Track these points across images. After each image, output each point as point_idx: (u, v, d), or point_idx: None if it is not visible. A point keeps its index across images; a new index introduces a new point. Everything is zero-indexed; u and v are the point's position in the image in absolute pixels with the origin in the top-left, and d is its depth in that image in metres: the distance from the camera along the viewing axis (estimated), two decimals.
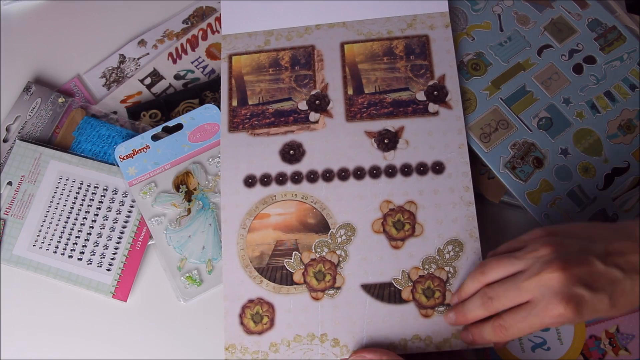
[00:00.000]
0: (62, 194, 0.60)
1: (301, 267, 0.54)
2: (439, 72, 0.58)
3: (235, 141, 0.58)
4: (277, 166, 0.57)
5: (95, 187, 0.60)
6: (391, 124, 0.57)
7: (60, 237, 0.58)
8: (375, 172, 0.56)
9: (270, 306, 0.53)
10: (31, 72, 0.66)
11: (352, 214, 0.55)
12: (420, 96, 0.58)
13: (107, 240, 0.58)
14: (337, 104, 0.58)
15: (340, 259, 0.54)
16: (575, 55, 0.59)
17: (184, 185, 0.59)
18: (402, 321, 0.52)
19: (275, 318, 0.53)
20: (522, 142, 0.57)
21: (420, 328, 0.52)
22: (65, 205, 0.59)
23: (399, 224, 0.54)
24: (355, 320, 0.52)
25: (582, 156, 0.56)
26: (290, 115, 0.58)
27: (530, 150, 0.57)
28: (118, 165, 0.59)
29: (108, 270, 0.57)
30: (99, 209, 0.59)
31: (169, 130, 0.60)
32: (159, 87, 0.65)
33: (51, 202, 0.59)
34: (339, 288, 0.53)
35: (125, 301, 0.57)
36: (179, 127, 0.60)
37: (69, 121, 0.62)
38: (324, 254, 0.54)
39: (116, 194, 0.59)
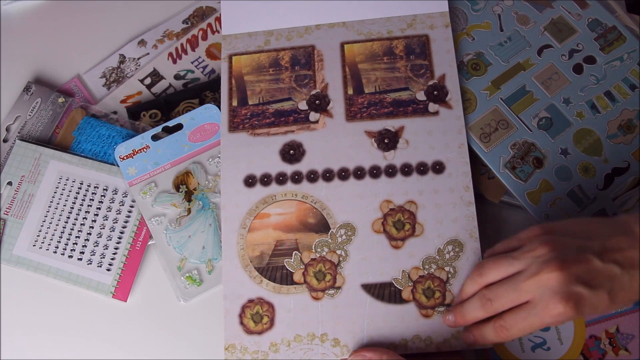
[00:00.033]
0: (62, 194, 0.59)
1: (301, 267, 0.54)
2: (439, 72, 0.59)
3: (235, 141, 0.58)
4: (277, 166, 0.57)
5: (95, 187, 0.60)
6: (391, 124, 0.57)
7: (60, 237, 0.58)
8: (375, 172, 0.56)
9: (270, 306, 0.53)
10: (31, 72, 0.66)
11: (352, 214, 0.55)
12: (421, 96, 0.58)
13: (107, 240, 0.58)
14: (337, 104, 0.58)
15: (341, 258, 0.54)
16: (575, 55, 0.60)
17: (184, 185, 0.59)
18: (403, 321, 0.52)
19: (275, 318, 0.53)
20: (522, 142, 0.57)
21: (421, 328, 0.52)
22: (65, 205, 0.59)
23: (399, 223, 0.54)
24: (356, 320, 0.52)
25: (582, 156, 0.56)
26: (290, 115, 0.58)
27: (530, 150, 0.57)
28: (118, 165, 0.59)
29: (108, 270, 0.57)
30: (99, 209, 0.59)
31: (169, 130, 0.60)
32: (159, 87, 0.65)
33: (51, 202, 0.59)
34: (339, 288, 0.53)
35: (125, 301, 0.57)
36: (179, 127, 0.60)
37: (69, 121, 0.62)
38: (324, 253, 0.54)
39: (116, 194, 0.59)
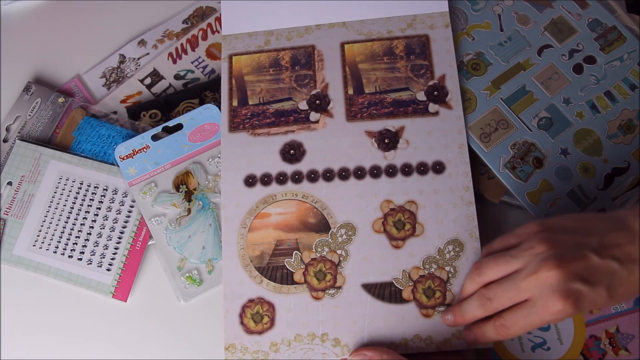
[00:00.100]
0: (62, 194, 0.59)
1: (302, 267, 0.54)
2: (439, 72, 0.59)
3: (235, 141, 0.58)
4: (277, 166, 0.57)
5: (95, 187, 0.60)
6: (391, 124, 0.57)
7: (60, 237, 0.58)
8: (375, 172, 0.56)
9: (271, 306, 0.53)
10: (31, 72, 0.66)
11: (352, 214, 0.55)
12: (421, 96, 0.58)
13: (107, 240, 0.58)
14: (337, 104, 0.58)
15: (341, 258, 0.54)
16: (575, 55, 0.60)
17: (184, 185, 0.59)
18: (403, 321, 0.52)
19: (275, 318, 0.53)
20: (522, 142, 0.57)
21: (421, 328, 0.52)
22: (65, 205, 0.59)
23: (399, 223, 0.54)
24: (356, 319, 0.52)
25: (582, 156, 0.56)
26: (290, 115, 0.58)
27: (530, 150, 0.57)
28: (118, 165, 0.59)
29: (108, 270, 0.57)
30: (99, 209, 0.59)
31: (169, 130, 0.60)
32: (159, 87, 0.65)
33: (51, 202, 0.59)
34: (339, 288, 0.53)
35: (125, 301, 0.57)
36: (179, 127, 0.60)
37: (69, 121, 0.62)
38: (325, 253, 0.54)
39: (116, 194, 0.59)
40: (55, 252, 0.58)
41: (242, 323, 0.53)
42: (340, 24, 0.61)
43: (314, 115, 0.58)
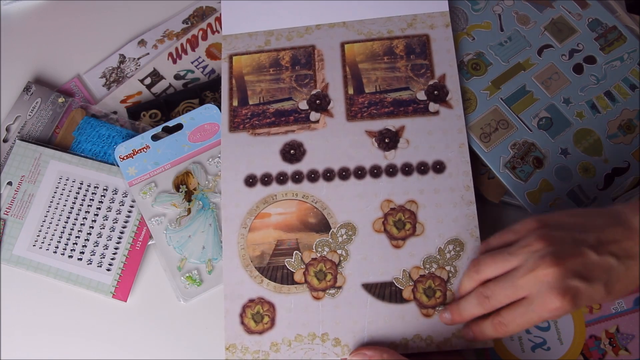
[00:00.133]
0: (62, 194, 0.59)
1: (302, 267, 0.54)
2: (439, 72, 0.59)
3: (235, 141, 0.58)
4: (277, 166, 0.57)
5: (95, 187, 0.60)
6: (392, 124, 0.57)
7: (60, 237, 0.58)
8: (376, 172, 0.56)
9: (271, 306, 0.53)
10: (31, 72, 0.66)
11: (352, 214, 0.55)
12: (421, 95, 0.58)
13: (107, 240, 0.58)
14: (337, 104, 0.58)
15: (341, 258, 0.54)
16: (575, 55, 0.60)
17: (184, 185, 0.59)
18: (403, 321, 0.52)
19: (276, 317, 0.53)
20: (522, 142, 0.57)
21: (421, 327, 0.52)
22: (65, 205, 0.59)
23: (399, 223, 0.54)
24: (357, 319, 0.52)
25: (582, 156, 0.56)
26: (290, 115, 0.58)
27: (530, 150, 0.57)
28: (118, 165, 0.59)
29: (108, 270, 0.57)
30: (99, 209, 0.59)
31: (169, 130, 0.60)
32: (159, 87, 0.65)
33: (51, 202, 0.59)
34: (340, 287, 0.53)
35: (125, 301, 0.57)
36: (179, 127, 0.60)
37: (69, 121, 0.62)
38: (325, 253, 0.54)
39: (116, 194, 0.59)
40: (55, 252, 0.58)
41: (242, 323, 0.53)
42: (341, 24, 0.61)
43: (314, 115, 0.58)
